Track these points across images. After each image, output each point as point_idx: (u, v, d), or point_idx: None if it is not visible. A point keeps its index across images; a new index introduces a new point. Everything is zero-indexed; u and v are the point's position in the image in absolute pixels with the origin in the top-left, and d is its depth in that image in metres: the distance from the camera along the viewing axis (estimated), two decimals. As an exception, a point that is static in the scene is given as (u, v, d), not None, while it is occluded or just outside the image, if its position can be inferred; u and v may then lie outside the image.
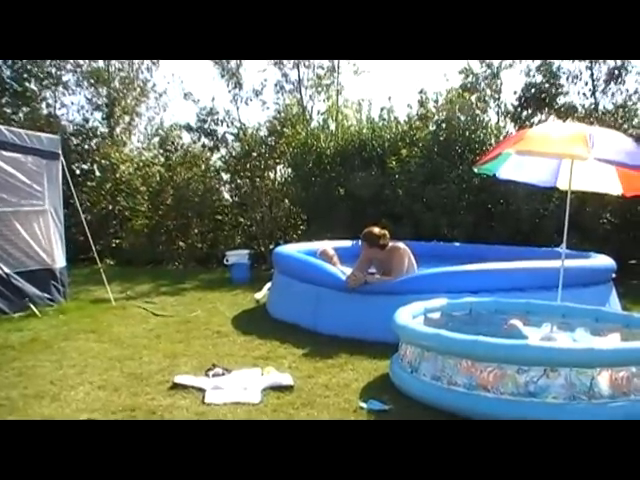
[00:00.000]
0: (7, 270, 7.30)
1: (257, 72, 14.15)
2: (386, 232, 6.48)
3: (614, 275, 6.98)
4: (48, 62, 15.58)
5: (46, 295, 7.74)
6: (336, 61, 14.12)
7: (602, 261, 6.97)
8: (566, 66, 11.35)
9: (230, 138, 13.62)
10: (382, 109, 12.18)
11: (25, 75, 15.42)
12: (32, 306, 7.31)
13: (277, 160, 13.22)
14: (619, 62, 11.08)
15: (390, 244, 6.44)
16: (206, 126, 13.62)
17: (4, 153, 7.34)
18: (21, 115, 15.40)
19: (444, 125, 10.97)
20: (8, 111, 15.28)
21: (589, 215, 9.54)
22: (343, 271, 6.56)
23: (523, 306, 5.44)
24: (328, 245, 7.92)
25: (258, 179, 13.16)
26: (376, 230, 6.47)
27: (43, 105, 15.96)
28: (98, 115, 15.92)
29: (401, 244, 6.47)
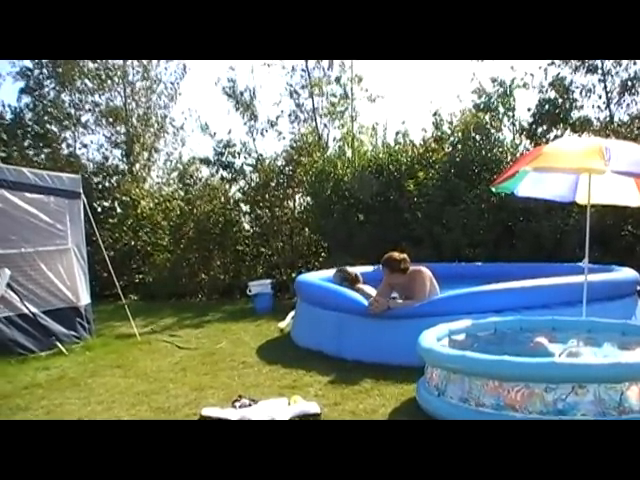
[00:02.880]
0: (34, 309, 7.39)
1: (272, 105, 14.30)
2: (406, 256, 6.46)
3: (639, 287, 6.91)
4: (67, 103, 15.91)
5: (72, 332, 7.81)
6: (349, 88, 14.23)
7: (626, 274, 6.91)
8: (579, 80, 11.34)
9: (248, 169, 13.72)
10: (397, 133, 12.23)
11: (46, 117, 15.73)
12: (59, 344, 7.38)
13: (295, 189, 13.29)
14: (632, 73, 11.05)
15: (411, 268, 6.42)
16: (223, 159, 13.74)
17: (27, 195, 7.48)
18: (42, 156, 15.69)
19: (460, 146, 10.97)
20: (30, 153, 15.58)
21: (610, 228, 9.45)
22: (366, 292, 6.57)
23: (548, 323, 5.39)
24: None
25: (277, 209, 13.23)
26: (396, 255, 6.45)
27: (63, 145, 16.24)
28: (117, 153, 16.19)
29: (422, 267, 6.46)
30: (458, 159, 10.84)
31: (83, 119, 16.17)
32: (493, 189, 6.21)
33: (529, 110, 11.43)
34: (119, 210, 15.09)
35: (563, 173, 5.62)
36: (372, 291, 7.01)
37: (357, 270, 7.88)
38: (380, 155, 11.76)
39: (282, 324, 8.49)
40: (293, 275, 11.65)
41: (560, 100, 11.19)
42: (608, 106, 11.30)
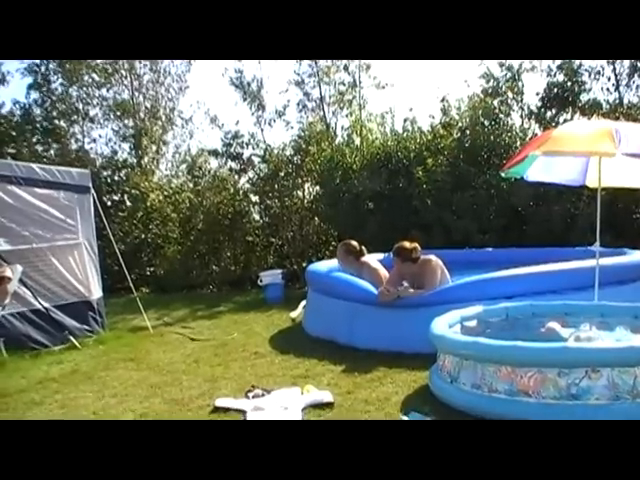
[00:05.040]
0: (46, 304, 7.43)
1: (279, 93, 14.24)
2: (417, 245, 6.45)
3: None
4: (75, 98, 15.92)
5: (85, 326, 7.84)
6: (357, 75, 14.17)
7: (637, 257, 6.86)
8: (587, 63, 11.23)
9: (256, 160, 13.69)
10: (405, 120, 12.16)
11: (54, 113, 15.76)
12: (72, 338, 7.42)
13: (304, 178, 13.25)
14: (642, 55, 10.94)
15: (422, 257, 6.41)
16: (232, 150, 13.71)
17: (37, 190, 7.50)
18: (52, 152, 15.72)
19: (468, 131, 10.92)
20: (40, 149, 15.62)
21: (621, 211, 9.40)
22: (371, 267, 6.81)
23: (560, 308, 5.37)
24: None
25: (287, 199, 13.21)
26: (407, 244, 6.45)
27: (72, 140, 16.25)
28: (126, 146, 16.18)
29: (432, 256, 6.44)
30: (467, 145, 10.80)
31: (91, 113, 16.18)
32: (502, 174, 6.17)
33: (537, 94, 11.35)
34: (129, 203, 15.10)
35: (573, 157, 5.58)
36: (377, 265, 7.03)
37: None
38: (389, 143, 11.71)
39: (294, 314, 8.50)
40: (304, 265, 11.66)
41: (569, 83, 11.09)
42: (617, 88, 11.19)
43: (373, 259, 7.30)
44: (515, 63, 11.23)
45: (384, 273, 6.85)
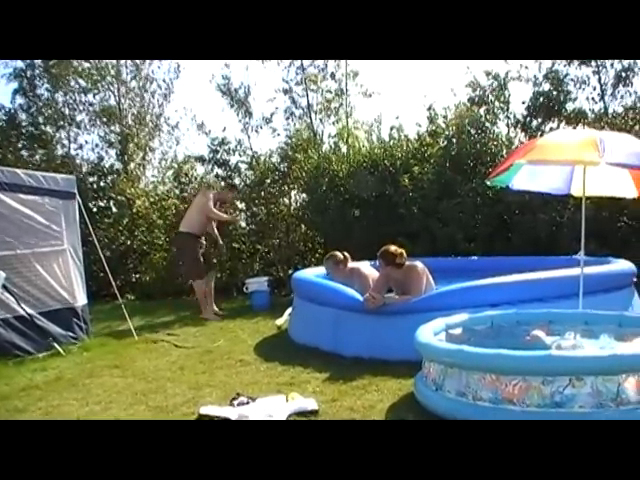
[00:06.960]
0: (30, 311, 7.36)
1: (266, 101, 14.22)
2: (403, 251, 6.46)
3: (635, 279, 6.92)
4: (61, 103, 15.82)
5: (69, 333, 7.78)
6: (344, 83, 14.18)
7: (622, 266, 6.91)
8: (573, 72, 11.32)
9: (243, 167, 13.69)
10: (392, 128, 12.19)
11: (40, 118, 15.66)
12: (56, 345, 7.36)
13: (291, 186, 13.25)
14: (626, 64, 11.03)
15: (407, 263, 6.42)
16: (218, 156, 13.70)
17: (22, 196, 7.44)
18: (37, 157, 15.58)
19: (454, 140, 10.96)
20: (25, 154, 15.49)
21: (606, 220, 9.44)
22: (362, 273, 6.84)
23: (545, 316, 5.40)
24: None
25: (273, 206, 13.20)
26: (392, 248, 6.46)
27: (58, 146, 16.12)
28: (112, 152, 16.07)
29: (418, 263, 6.46)
30: (453, 153, 10.83)
31: (77, 119, 16.06)
32: (488, 182, 6.20)
33: (523, 103, 11.42)
34: (114, 210, 15.00)
35: (558, 165, 5.61)
36: (369, 271, 7.05)
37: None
38: (375, 150, 11.73)
39: (279, 321, 8.48)
40: (290, 272, 11.64)
41: (554, 92, 11.17)
42: (602, 98, 11.28)
43: (365, 265, 7.32)
44: (501, 72, 11.31)
45: (375, 278, 6.86)
